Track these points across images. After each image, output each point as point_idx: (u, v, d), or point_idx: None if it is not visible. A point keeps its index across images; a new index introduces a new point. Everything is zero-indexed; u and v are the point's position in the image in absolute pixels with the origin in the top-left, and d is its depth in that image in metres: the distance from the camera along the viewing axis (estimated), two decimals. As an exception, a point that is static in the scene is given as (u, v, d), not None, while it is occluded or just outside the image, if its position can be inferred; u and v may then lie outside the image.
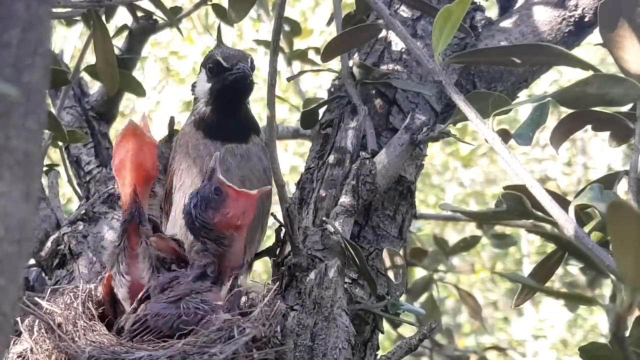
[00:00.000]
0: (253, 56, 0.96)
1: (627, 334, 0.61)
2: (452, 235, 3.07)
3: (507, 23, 1.12)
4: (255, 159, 0.97)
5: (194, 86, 1.01)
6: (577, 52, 0.96)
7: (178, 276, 0.82)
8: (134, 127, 0.86)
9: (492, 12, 1.16)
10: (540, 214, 0.72)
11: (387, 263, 0.94)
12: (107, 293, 0.84)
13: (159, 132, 1.04)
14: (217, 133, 0.95)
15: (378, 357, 0.93)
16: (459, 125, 1.03)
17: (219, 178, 0.82)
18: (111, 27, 1.14)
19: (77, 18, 1.15)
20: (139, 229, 0.84)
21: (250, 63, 0.94)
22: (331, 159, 1.00)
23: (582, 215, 0.78)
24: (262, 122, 1.01)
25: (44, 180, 1.27)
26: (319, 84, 3.03)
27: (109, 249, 0.88)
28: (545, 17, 1.09)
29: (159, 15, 1.28)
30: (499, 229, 1.75)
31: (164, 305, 0.79)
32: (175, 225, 0.94)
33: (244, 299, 0.86)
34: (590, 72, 0.78)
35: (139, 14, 1.28)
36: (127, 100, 3.11)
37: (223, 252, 0.81)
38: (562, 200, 0.74)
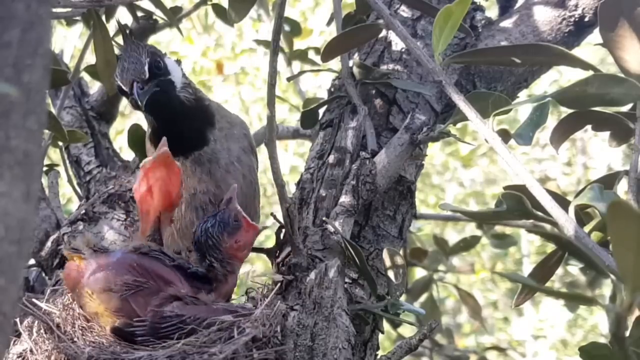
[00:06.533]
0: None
1: (627, 334, 0.61)
2: (452, 235, 3.07)
3: (507, 23, 1.12)
4: (224, 154, 0.94)
5: None
6: (577, 52, 0.96)
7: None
8: (166, 156, 0.87)
9: (492, 12, 1.16)
10: (540, 214, 0.72)
11: (387, 263, 0.94)
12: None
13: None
14: (172, 149, 0.89)
15: (378, 357, 0.93)
16: (459, 125, 1.03)
17: (236, 207, 0.86)
18: (111, 27, 1.14)
19: (77, 18, 1.16)
20: None
21: (151, 68, 0.86)
22: (331, 159, 1.00)
23: (582, 215, 0.78)
24: (262, 122, 1.00)
25: (44, 180, 1.27)
26: (319, 84, 3.03)
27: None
28: (545, 17, 1.09)
29: (159, 15, 1.28)
30: (499, 229, 1.75)
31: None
32: None
33: (243, 298, 0.87)
34: (590, 72, 0.78)
35: (139, 14, 1.28)
36: (127, 100, 3.10)
37: (225, 277, 0.85)
38: (562, 200, 0.74)
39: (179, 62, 0.95)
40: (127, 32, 0.90)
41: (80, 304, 0.81)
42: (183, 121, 0.91)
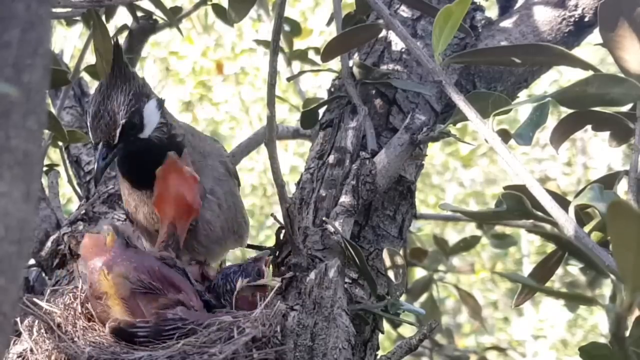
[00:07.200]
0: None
1: (627, 334, 0.60)
2: (452, 235, 3.07)
3: (507, 23, 1.12)
4: None
5: None
6: (577, 52, 0.96)
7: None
8: (173, 163, 0.86)
9: (492, 12, 1.16)
10: (540, 214, 0.72)
11: (387, 263, 0.94)
12: None
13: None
14: (140, 185, 0.90)
15: (378, 357, 0.93)
16: (459, 125, 1.03)
17: (262, 267, 0.88)
18: (111, 27, 1.14)
19: (77, 18, 1.16)
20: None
21: (123, 130, 0.83)
22: (331, 159, 1.00)
23: (582, 215, 0.78)
24: (262, 122, 1.00)
25: (44, 180, 1.27)
26: (319, 84, 3.03)
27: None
28: (545, 17, 1.09)
29: (159, 15, 1.28)
30: (499, 229, 1.75)
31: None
32: None
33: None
34: (590, 72, 0.78)
35: (139, 14, 1.28)
36: (127, 100, 3.10)
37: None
38: (562, 200, 0.74)
39: (161, 102, 0.90)
40: (119, 49, 0.87)
41: (90, 280, 0.82)
42: (149, 158, 0.88)
